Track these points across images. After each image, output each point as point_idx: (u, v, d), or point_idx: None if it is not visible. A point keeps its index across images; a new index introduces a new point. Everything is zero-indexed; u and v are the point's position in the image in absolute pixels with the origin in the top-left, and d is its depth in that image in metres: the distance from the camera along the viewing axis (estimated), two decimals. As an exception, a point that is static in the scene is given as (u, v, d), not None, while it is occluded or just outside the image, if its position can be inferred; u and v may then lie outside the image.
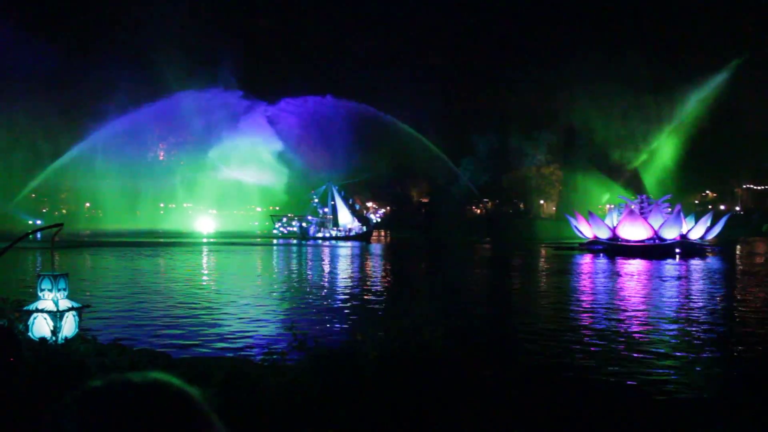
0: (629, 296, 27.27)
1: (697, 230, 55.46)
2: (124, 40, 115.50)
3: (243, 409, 5.93)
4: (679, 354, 15.54)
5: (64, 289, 10.25)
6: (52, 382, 6.64)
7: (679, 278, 34.40)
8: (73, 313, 10.22)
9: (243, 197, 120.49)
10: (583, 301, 26.30)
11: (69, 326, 10.06)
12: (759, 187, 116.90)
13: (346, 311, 22.52)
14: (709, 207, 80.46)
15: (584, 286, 32.29)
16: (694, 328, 19.27)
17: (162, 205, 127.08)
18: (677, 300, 26.11)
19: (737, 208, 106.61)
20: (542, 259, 52.02)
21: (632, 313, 22.18)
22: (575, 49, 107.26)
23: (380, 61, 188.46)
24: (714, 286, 31.07)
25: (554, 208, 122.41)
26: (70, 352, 8.94)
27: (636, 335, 18.20)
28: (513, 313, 23.36)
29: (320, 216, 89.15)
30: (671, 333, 18.63)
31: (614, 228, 55.60)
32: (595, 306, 24.40)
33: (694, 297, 27.06)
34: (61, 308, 9.96)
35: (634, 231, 54.39)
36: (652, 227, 53.93)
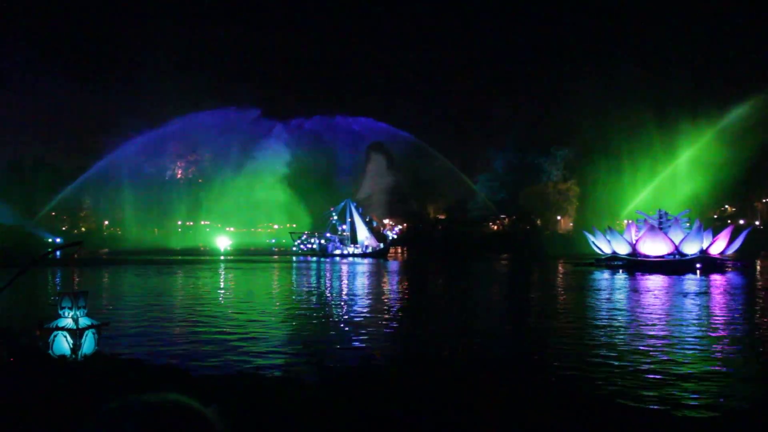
0: (653, 313, 26.93)
1: (717, 245, 54.84)
2: (140, 62, 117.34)
3: (262, 425, 5.93)
4: (702, 372, 15.31)
5: (84, 307, 10.33)
6: (70, 400, 6.66)
7: (700, 294, 33.98)
8: (93, 330, 10.27)
9: (260, 215, 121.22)
10: (614, 318, 26.02)
11: (88, 344, 10.12)
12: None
13: (365, 328, 22.42)
14: (728, 222, 79.67)
15: (609, 303, 31.95)
16: (716, 347, 19.02)
17: (180, 222, 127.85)
18: (702, 317, 25.77)
19: (757, 223, 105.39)
20: (562, 276, 51.68)
21: (658, 331, 21.92)
22: (594, 65, 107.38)
23: (395, 78, 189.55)
24: (736, 302, 30.66)
25: (571, 224, 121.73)
26: (89, 370, 8.99)
27: (656, 352, 17.98)
28: (532, 330, 23.17)
29: (339, 233, 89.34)
30: (698, 349, 18.38)
31: (634, 243, 55.13)
32: (625, 323, 24.14)
33: (717, 313, 26.70)
34: (80, 326, 10.02)
35: (655, 246, 53.86)
36: (672, 242, 53.39)
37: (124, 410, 1.36)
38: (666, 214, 57.53)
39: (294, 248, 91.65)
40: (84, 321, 10.19)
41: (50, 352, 9.69)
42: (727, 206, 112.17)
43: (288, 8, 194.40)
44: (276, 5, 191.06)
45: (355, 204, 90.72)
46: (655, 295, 33.95)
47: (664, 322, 23.74)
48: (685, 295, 33.48)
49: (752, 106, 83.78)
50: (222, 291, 38.96)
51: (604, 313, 27.09)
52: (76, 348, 9.83)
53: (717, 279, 43.77)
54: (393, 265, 66.34)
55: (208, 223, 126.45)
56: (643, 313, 26.80)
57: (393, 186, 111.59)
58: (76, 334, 9.90)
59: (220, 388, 6.79)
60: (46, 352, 9.70)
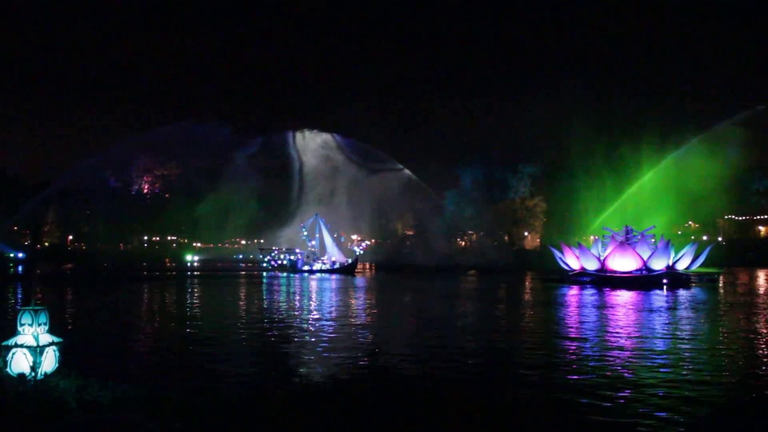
0: (623, 327, 27.21)
1: (683, 261, 55.77)
2: (115, 75, 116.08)
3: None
4: (667, 390, 15.49)
5: (45, 324, 10.09)
6: (30, 420, 6.49)
7: (670, 309, 34.46)
8: (54, 348, 10.04)
9: (228, 230, 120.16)
10: (587, 332, 26.22)
11: (49, 361, 9.88)
12: (740, 218, 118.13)
13: (331, 345, 22.29)
14: (692, 238, 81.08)
15: (582, 318, 32.23)
16: (682, 361, 19.28)
17: (146, 237, 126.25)
18: (672, 331, 26.11)
19: (719, 239, 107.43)
20: (531, 292, 52.00)
21: (629, 345, 22.16)
22: (559, 83, 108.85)
23: (360, 93, 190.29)
24: (708, 318, 31.13)
25: (538, 240, 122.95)
26: (50, 389, 8.78)
27: (623, 365, 18.16)
28: (500, 348, 23.26)
29: (308, 248, 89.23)
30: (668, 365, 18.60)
31: (603, 259, 55.63)
32: (599, 337, 24.35)
33: (689, 329, 27.06)
34: (41, 343, 9.79)
35: (624, 262, 54.45)
36: (642, 258, 54.10)
37: (82, 428, 1.33)
38: (632, 230, 58.36)
39: (264, 264, 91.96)
40: (45, 338, 9.96)
41: (8, 370, 9.44)
42: (690, 222, 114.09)
43: (253, 22, 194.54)
44: (242, 20, 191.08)
45: (323, 219, 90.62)
46: (626, 310, 34.28)
47: (634, 337, 24.00)
48: (654, 310, 33.88)
49: (713, 133, 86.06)
50: (188, 307, 38.45)
51: (574, 329, 27.32)
52: (35, 366, 9.60)
53: (683, 294, 44.48)
54: (360, 281, 66.19)
55: (175, 238, 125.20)
56: (614, 328, 27.05)
57: (361, 202, 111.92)
58: (37, 351, 9.68)
59: (183, 405, 6.67)
60: (5, 370, 9.45)
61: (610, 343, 22.44)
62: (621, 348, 21.39)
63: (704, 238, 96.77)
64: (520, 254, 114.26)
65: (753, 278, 65.20)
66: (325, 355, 20.12)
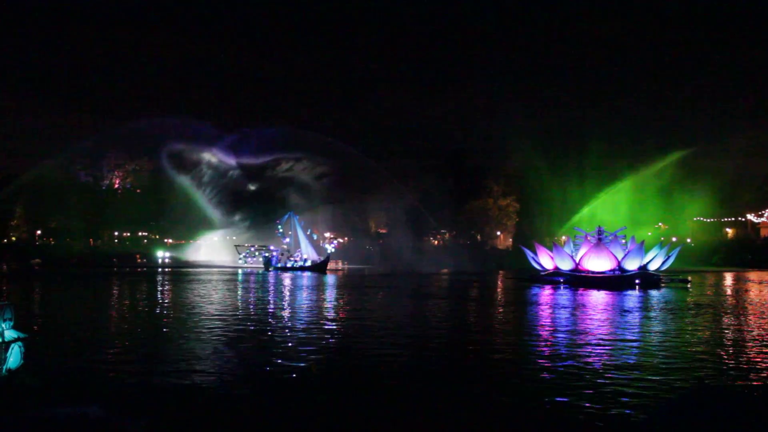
0: (599, 327, 27.47)
1: (655, 262, 56.45)
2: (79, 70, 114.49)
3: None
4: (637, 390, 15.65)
5: (10, 320, 9.90)
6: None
7: (643, 309, 34.87)
8: (19, 344, 9.86)
9: (200, 226, 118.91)
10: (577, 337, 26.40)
11: (14, 357, 9.70)
12: (708, 220, 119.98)
13: (301, 342, 22.19)
14: (661, 239, 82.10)
15: (567, 319, 32.47)
16: (652, 358, 19.49)
17: (116, 233, 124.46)
18: (647, 330, 26.40)
19: (688, 240, 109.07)
20: (508, 292, 52.18)
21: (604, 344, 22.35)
22: (531, 83, 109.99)
23: (335, 89, 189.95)
24: (676, 316, 31.54)
25: (511, 240, 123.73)
26: (14, 385, 8.61)
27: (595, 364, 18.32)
28: (472, 344, 23.34)
29: (283, 246, 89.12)
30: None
31: (580, 259, 55.92)
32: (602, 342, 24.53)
33: (657, 328, 27.39)
34: (6, 339, 9.61)
35: (599, 262, 54.83)
36: (616, 259, 54.59)
37: (41, 421, 1.31)
38: (604, 230, 58.90)
39: (240, 260, 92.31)
40: (10, 334, 9.77)
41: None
42: (660, 224, 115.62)
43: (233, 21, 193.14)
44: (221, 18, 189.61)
45: (297, 217, 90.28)
46: (602, 310, 34.59)
47: (610, 336, 24.22)
48: (629, 311, 34.22)
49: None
50: (157, 303, 38.03)
51: (548, 327, 27.51)
52: (1, 361, 9.41)
53: (655, 294, 45.13)
54: (331, 278, 66.01)
55: (146, 234, 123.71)
56: (590, 327, 27.30)
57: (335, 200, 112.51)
58: (2, 347, 9.50)
59: (152, 401, 6.57)
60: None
61: (587, 339, 22.64)
62: (596, 344, 21.59)
63: (673, 239, 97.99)
64: (492, 253, 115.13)
65: (722, 280, 66.35)
66: (293, 351, 20.02)
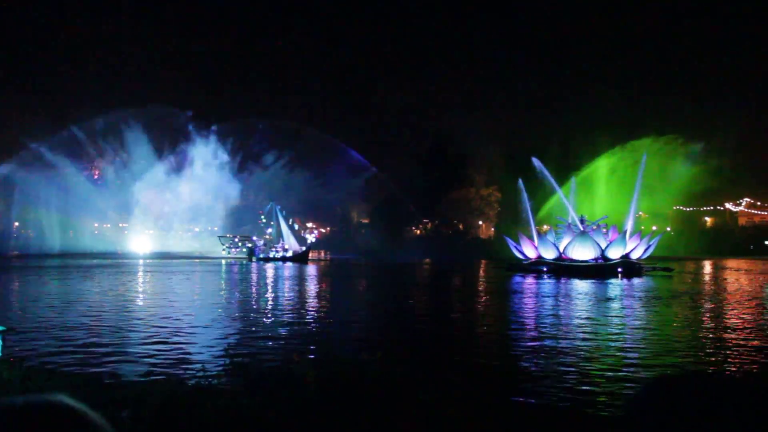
0: (582, 315, 27.59)
1: (637, 250, 56.84)
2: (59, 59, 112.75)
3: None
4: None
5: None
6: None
7: (627, 297, 35.09)
8: (-3, 335, 9.69)
9: (183, 217, 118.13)
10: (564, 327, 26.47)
11: (-8, 349, 9.53)
12: (688, 209, 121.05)
13: (284, 333, 22.12)
14: (641, 228, 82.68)
15: (556, 308, 32.59)
16: (633, 351, 19.60)
17: (96, 225, 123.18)
18: (631, 319, 26.57)
19: (668, 229, 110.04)
20: (493, 281, 52.23)
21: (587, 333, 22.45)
22: (516, 72, 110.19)
23: (318, 80, 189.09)
24: (659, 304, 31.79)
25: (493, 229, 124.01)
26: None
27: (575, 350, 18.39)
28: (456, 335, 23.37)
29: (265, 236, 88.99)
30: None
31: (564, 248, 56.14)
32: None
33: (643, 316, 27.59)
34: (-17, 331, 9.43)
35: (583, 251, 55.11)
36: (600, 247, 54.89)
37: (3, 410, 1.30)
38: (585, 219, 59.22)
39: (223, 251, 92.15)
40: (-13, 326, 9.59)
41: (-52, 359, 9.06)
42: (641, 213, 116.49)
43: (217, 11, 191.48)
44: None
45: (279, 207, 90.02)
46: (588, 298, 34.72)
47: (593, 324, 24.34)
48: (612, 299, 34.39)
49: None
50: (140, 296, 37.73)
51: (531, 316, 27.62)
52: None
53: (638, 282, 45.50)
54: (312, 269, 65.80)
55: (127, 225, 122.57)
56: (575, 316, 27.43)
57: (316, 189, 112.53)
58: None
59: (134, 394, 6.46)
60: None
61: (577, 330, 22.74)
62: (581, 332, 21.69)
63: (654, 228, 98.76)
64: (474, 242, 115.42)
65: (701, 268, 67.05)
66: (273, 343, 19.95)
